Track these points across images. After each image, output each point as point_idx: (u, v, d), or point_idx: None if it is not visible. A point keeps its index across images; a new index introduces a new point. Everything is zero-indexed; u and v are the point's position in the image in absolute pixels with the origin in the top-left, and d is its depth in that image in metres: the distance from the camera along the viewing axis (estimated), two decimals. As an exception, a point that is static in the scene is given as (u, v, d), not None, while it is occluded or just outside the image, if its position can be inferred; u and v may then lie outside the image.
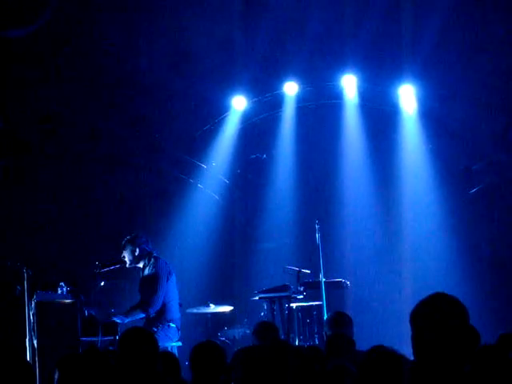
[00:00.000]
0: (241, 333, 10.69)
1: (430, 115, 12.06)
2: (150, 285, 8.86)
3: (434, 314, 3.13)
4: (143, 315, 8.80)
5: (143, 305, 8.83)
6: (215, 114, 12.34)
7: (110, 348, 8.10)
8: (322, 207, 11.89)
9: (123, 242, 9.03)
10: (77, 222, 11.59)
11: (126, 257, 9.03)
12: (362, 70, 11.81)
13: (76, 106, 11.44)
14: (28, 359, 8.18)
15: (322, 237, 9.97)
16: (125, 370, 4.47)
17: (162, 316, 8.83)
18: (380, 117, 12.16)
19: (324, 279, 9.80)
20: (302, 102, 12.28)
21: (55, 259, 10.92)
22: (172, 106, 11.89)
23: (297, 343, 9.78)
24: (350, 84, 12.02)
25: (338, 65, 11.77)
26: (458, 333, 3.11)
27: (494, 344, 5.33)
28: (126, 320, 8.70)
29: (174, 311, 8.95)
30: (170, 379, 5.25)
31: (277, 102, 12.36)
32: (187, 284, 10.91)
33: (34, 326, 8.25)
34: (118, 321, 8.59)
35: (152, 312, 8.77)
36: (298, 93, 12.22)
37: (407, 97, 12.04)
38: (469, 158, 12.07)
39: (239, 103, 12.33)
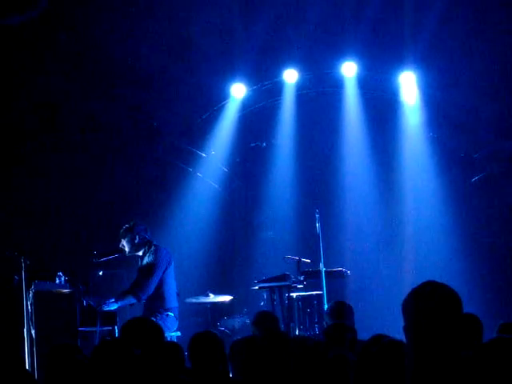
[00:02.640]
0: (240, 322, 10.67)
1: (431, 103, 12.01)
2: (146, 271, 8.79)
3: (425, 303, 3.08)
4: (134, 300, 8.72)
5: (134, 289, 8.72)
6: (214, 102, 12.29)
7: (108, 338, 8.06)
8: (322, 196, 11.86)
9: (121, 231, 8.96)
10: (75, 211, 11.55)
11: (126, 245, 8.96)
12: (362, 58, 11.75)
13: (74, 94, 11.38)
14: (26, 349, 8.17)
15: (322, 226, 9.94)
16: (129, 361, 4.42)
17: (160, 305, 8.78)
18: (381, 104, 12.11)
19: (324, 268, 9.77)
20: (302, 90, 12.22)
21: (53, 249, 10.89)
22: (171, 94, 11.83)
23: (297, 333, 9.75)
24: (350, 71, 11.95)
25: (338, 52, 11.71)
26: (451, 321, 3.05)
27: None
28: (116, 306, 8.63)
29: (173, 300, 8.89)
30: (174, 369, 5.21)
31: (276, 90, 12.29)
32: (186, 273, 10.88)
33: (31, 315, 8.22)
34: (109, 308, 8.52)
35: (143, 297, 8.69)
36: (298, 80, 12.16)
37: (408, 84, 11.98)
38: (470, 145, 12.02)
39: (238, 91, 12.26)
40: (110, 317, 8.53)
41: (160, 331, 4.86)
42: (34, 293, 8.23)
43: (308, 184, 12.28)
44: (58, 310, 8.26)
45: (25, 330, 8.31)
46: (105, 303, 8.58)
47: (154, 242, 9.02)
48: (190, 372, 5.19)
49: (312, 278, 10.01)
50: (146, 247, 8.96)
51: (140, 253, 9.01)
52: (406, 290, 3.20)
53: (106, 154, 11.86)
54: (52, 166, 11.45)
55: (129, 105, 11.84)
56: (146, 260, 8.93)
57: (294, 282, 9.82)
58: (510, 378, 3.62)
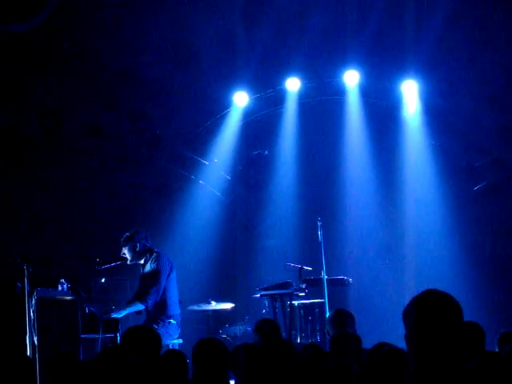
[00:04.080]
0: (242, 330, 10.68)
1: (432, 111, 12.02)
2: (150, 278, 8.81)
3: (425, 311, 3.09)
4: (142, 307, 8.74)
5: (141, 296, 8.75)
6: (217, 110, 12.32)
7: (110, 345, 8.07)
8: (324, 204, 11.86)
9: (123, 239, 8.99)
10: (78, 218, 11.57)
11: (127, 253, 8.98)
12: (364, 66, 11.78)
13: (77, 102, 11.42)
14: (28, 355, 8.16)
15: (324, 234, 9.95)
16: (128, 368, 4.42)
17: (163, 312, 8.79)
18: (383, 113, 12.13)
19: (326, 276, 9.78)
20: (304, 98, 12.25)
21: (56, 256, 10.90)
22: (173, 102, 11.86)
23: (298, 341, 9.75)
24: (352, 80, 11.98)
25: (340, 60, 11.74)
26: (451, 329, 3.06)
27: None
28: (124, 313, 8.64)
29: (175, 307, 8.91)
30: (175, 378, 5.21)
31: (279, 98, 12.33)
32: (188, 281, 10.89)
33: (34, 322, 8.22)
34: (117, 316, 8.54)
35: (150, 304, 8.71)
36: (300, 89, 12.19)
37: (410, 93, 12.00)
38: (472, 154, 12.03)
39: (241, 99, 12.30)
40: (113, 324, 8.54)
41: (158, 340, 4.86)
42: (36, 299, 8.23)
43: (310, 192, 12.28)
44: (60, 317, 8.25)
45: (27, 336, 8.31)
46: (113, 311, 8.59)
47: (156, 249, 9.04)
48: (191, 383, 5.20)
49: (314, 286, 10.02)
50: (148, 255, 8.98)
51: (141, 261, 9.03)
52: (408, 298, 3.22)
53: (108, 162, 11.88)
54: (55, 173, 11.48)
55: (131, 113, 11.87)
56: (148, 267, 8.94)
57: (295, 290, 9.83)
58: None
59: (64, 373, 4.86)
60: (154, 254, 8.94)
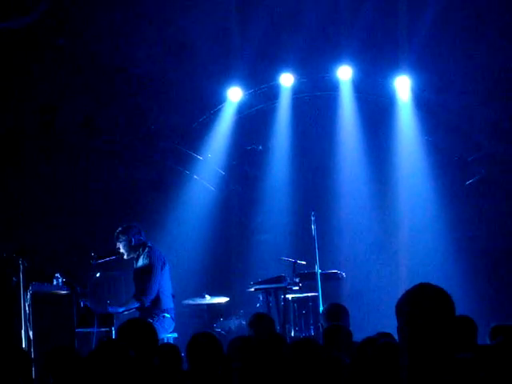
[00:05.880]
0: (236, 324, 10.71)
1: (425, 106, 12.07)
2: (145, 274, 8.84)
3: (418, 305, 3.11)
4: (138, 305, 8.77)
5: (137, 294, 8.80)
6: (211, 106, 12.34)
7: (105, 339, 8.10)
8: (317, 198, 11.90)
9: (116, 234, 9.00)
10: (73, 213, 11.59)
11: (122, 248, 8.99)
12: (357, 62, 11.81)
13: (72, 97, 11.43)
14: (23, 350, 8.18)
15: (317, 228, 9.99)
16: (124, 361, 4.46)
17: (157, 306, 8.81)
18: (376, 108, 12.17)
19: (320, 270, 9.82)
20: (298, 93, 12.29)
21: (51, 250, 10.92)
22: (168, 97, 11.88)
23: (292, 334, 9.80)
24: (345, 75, 12.02)
25: (333, 56, 11.78)
26: (443, 322, 3.09)
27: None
28: (121, 310, 8.69)
29: (169, 301, 8.93)
30: (169, 371, 5.25)
31: (273, 94, 12.36)
32: (183, 275, 10.93)
33: (29, 317, 8.24)
34: (113, 311, 8.58)
35: (146, 301, 8.74)
36: (294, 84, 12.22)
37: (403, 88, 12.04)
38: (465, 149, 12.09)
39: (235, 94, 12.32)
40: (107, 318, 8.57)
41: (153, 332, 4.91)
42: (31, 294, 8.24)
43: (303, 186, 12.32)
44: (55, 312, 8.28)
45: (22, 331, 8.33)
46: (111, 306, 8.63)
47: (149, 243, 9.06)
48: (187, 374, 5.23)
49: (307, 280, 10.06)
50: (141, 249, 9.00)
51: (135, 255, 9.06)
52: (401, 291, 3.26)
53: (103, 157, 11.90)
54: (50, 168, 11.49)
55: (126, 108, 11.88)
56: (140, 262, 8.95)
57: (289, 284, 9.87)
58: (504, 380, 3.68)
59: (63, 367, 4.91)
60: (147, 249, 8.95)
